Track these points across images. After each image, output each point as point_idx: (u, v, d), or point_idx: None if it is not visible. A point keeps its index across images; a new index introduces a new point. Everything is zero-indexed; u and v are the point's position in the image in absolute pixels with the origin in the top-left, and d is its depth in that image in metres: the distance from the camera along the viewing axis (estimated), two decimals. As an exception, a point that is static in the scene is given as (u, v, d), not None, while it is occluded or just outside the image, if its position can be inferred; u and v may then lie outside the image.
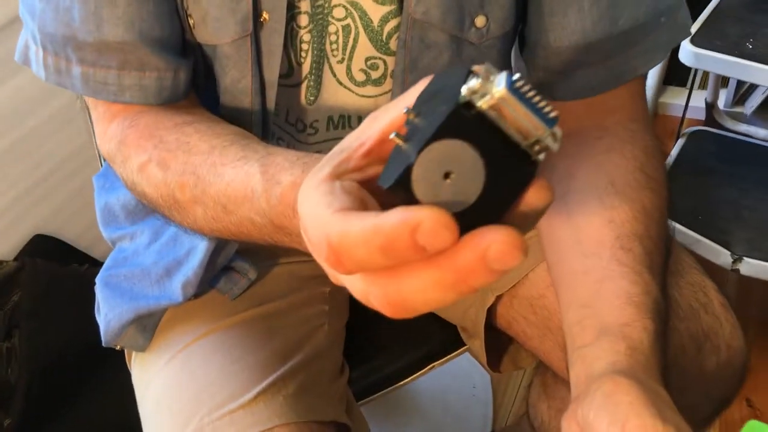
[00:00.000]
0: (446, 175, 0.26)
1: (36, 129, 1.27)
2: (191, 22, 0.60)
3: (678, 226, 1.30)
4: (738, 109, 1.96)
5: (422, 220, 0.26)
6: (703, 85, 1.92)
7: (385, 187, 0.28)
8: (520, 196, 0.27)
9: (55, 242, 1.38)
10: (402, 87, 0.63)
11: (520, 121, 0.26)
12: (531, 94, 0.26)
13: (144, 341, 0.75)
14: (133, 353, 0.79)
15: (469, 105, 0.26)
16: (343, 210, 0.29)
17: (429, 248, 0.26)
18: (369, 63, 0.65)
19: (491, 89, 0.26)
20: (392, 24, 0.62)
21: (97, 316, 0.80)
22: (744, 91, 1.97)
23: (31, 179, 1.30)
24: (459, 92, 0.26)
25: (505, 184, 0.27)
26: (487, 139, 0.26)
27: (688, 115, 1.56)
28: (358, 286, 0.31)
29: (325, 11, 0.61)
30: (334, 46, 0.63)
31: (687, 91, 1.51)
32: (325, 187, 0.31)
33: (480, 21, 0.61)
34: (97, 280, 0.80)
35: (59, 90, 0.71)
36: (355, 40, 0.63)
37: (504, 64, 0.69)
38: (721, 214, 1.34)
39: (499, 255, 0.26)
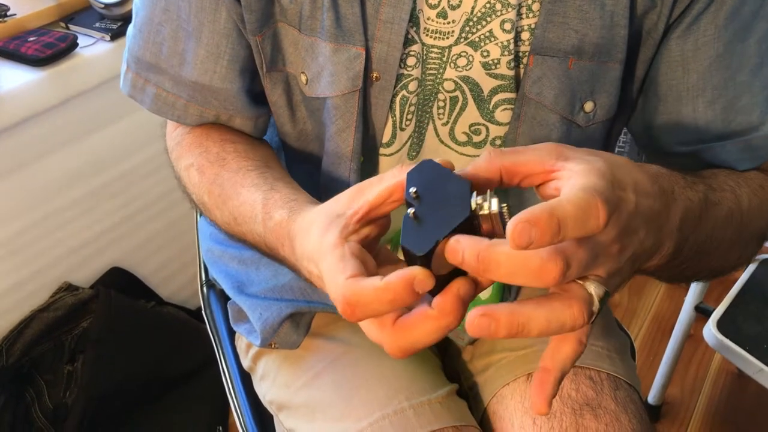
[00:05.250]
0: None
1: (130, 171, 1.37)
2: (304, 78, 0.66)
3: (742, 351, 1.27)
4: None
5: (416, 274, 0.39)
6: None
7: (417, 253, 0.40)
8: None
9: (130, 276, 1.45)
10: None
11: (492, 226, 0.41)
12: (506, 213, 0.40)
13: (298, 338, 0.76)
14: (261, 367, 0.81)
15: (473, 214, 0.40)
16: (354, 276, 0.41)
17: (420, 291, 0.39)
18: (472, 128, 0.67)
19: (487, 207, 0.40)
20: (501, 96, 0.65)
21: (236, 326, 0.82)
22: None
23: (118, 215, 1.39)
24: (469, 205, 0.40)
25: None
26: (473, 234, 0.40)
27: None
28: (372, 333, 0.43)
29: (436, 81, 0.65)
30: (441, 111, 0.67)
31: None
32: (338, 253, 0.43)
33: (588, 106, 0.64)
34: (233, 296, 0.81)
35: (155, 138, 0.78)
36: (462, 109, 0.66)
37: (605, 145, 0.72)
38: (788, 347, 1.29)
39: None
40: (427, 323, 0.40)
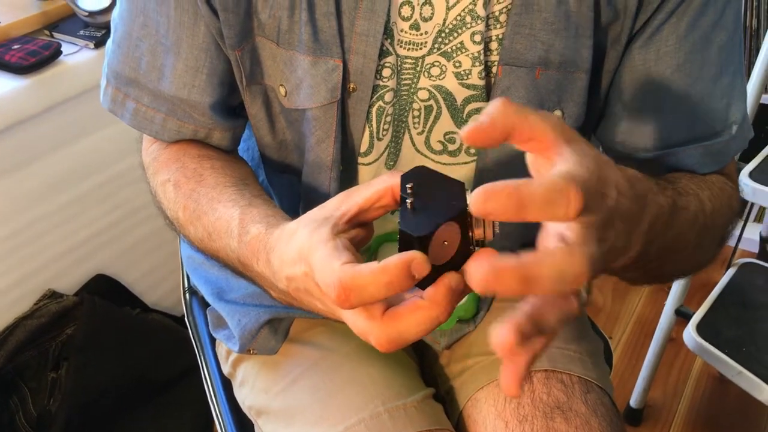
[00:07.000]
0: (443, 243, 0.42)
1: (115, 178, 1.37)
2: (283, 91, 0.66)
3: (721, 354, 1.28)
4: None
5: (414, 257, 0.40)
6: (759, 219, 1.90)
7: (416, 234, 0.41)
8: (467, 262, 0.43)
9: (114, 283, 1.45)
10: (483, 159, 0.68)
11: (483, 229, 0.44)
12: None
13: (276, 344, 0.77)
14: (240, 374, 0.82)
15: (467, 211, 0.43)
16: (349, 262, 0.42)
17: (416, 275, 0.40)
18: (447, 137, 0.68)
19: None
20: (474, 106, 0.67)
21: (215, 333, 0.83)
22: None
23: (103, 222, 1.39)
24: (465, 198, 0.43)
25: (462, 255, 0.43)
26: (465, 230, 0.43)
27: (741, 247, 1.54)
28: (359, 324, 0.43)
29: (411, 91, 0.67)
30: (416, 121, 0.68)
31: (742, 222, 1.51)
32: (330, 245, 0.44)
33: (556, 115, 0.66)
34: (213, 303, 0.82)
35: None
36: (436, 118, 0.68)
37: None
38: (766, 349, 1.31)
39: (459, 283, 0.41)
40: (417, 313, 0.41)
